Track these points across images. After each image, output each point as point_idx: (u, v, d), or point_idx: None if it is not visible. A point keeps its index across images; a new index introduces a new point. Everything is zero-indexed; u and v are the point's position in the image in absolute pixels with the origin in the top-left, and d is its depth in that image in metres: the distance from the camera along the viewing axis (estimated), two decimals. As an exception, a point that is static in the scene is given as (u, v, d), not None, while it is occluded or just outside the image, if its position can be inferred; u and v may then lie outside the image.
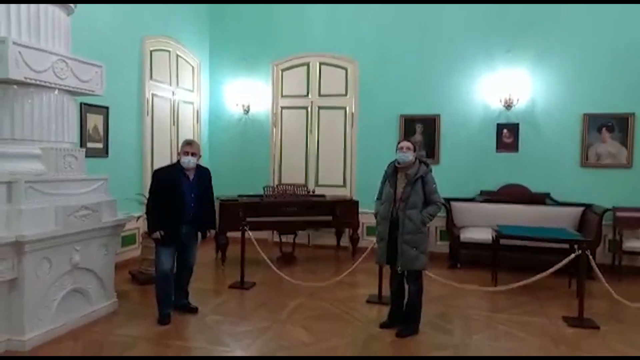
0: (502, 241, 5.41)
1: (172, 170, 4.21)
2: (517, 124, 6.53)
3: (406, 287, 3.97)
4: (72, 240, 3.77)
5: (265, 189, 6.50)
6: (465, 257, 6.26)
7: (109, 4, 5.53)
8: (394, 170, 3.94)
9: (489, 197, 6.51)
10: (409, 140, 3.97)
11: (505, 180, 6.55)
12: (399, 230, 3.80)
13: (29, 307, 3.45)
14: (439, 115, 6.80)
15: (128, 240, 5.89)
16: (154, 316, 4.14)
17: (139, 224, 5.76)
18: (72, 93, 4.11)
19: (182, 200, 4.11)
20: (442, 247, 6.64)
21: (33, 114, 3.74)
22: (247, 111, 7.64)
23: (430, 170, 3.90)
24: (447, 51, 6.75)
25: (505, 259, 5.82)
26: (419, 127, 6.88)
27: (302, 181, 7.34)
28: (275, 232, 6.89)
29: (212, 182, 4.44)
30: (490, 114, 6.64)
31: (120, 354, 3.42)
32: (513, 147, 6.55)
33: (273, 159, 7.60)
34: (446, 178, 6.18)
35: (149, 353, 3.47)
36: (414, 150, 3.89)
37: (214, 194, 4.50)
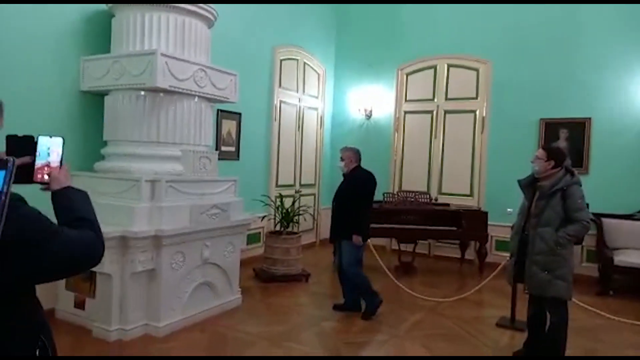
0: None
1: None
2: (695, 128, 5.39)
3: (548, 314, 3.45)
4: (203, 236, 4.02)
5: (385, 195, 6.32)
6: (619, 283, 5.32)
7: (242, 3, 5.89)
8: (531, 181, 3.46)
9: (653, 214, 5.48)
10: (544, 148, 3.48)
11: (676, 196, 5.45)
12: (528, 249, 3.34)
13: (164, 296, 3.75)
14: (589, 119, 5.92)
15: (253, 239, 6.18)
16: (275, 314, 4.24)
17: (263, 224, 6.02)
18: (210, 100, 4.41)
19: (333, 204, 4.48)
20: (589, 269, 5.74)
21: (175, 119, 4.08)
22: (369, 116, 7.55)
23: (577, 182, 3.29)
24: (600, 45, 5.86)
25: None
26: (563, 133, 6.07)
27: (424, 188, 6.99)
28: (393, 239, 6.67)
29: (358, 189, 4.25)
30: (657, 117, 5.60)
31: (240, 352, 3.53)
32: (688, 155, 5.42)
33: (394, 164, 7.38)
34: (597, 191, 5.36)
35: (265, 353, 3.52)
36: (549, 159, 3.31)
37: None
